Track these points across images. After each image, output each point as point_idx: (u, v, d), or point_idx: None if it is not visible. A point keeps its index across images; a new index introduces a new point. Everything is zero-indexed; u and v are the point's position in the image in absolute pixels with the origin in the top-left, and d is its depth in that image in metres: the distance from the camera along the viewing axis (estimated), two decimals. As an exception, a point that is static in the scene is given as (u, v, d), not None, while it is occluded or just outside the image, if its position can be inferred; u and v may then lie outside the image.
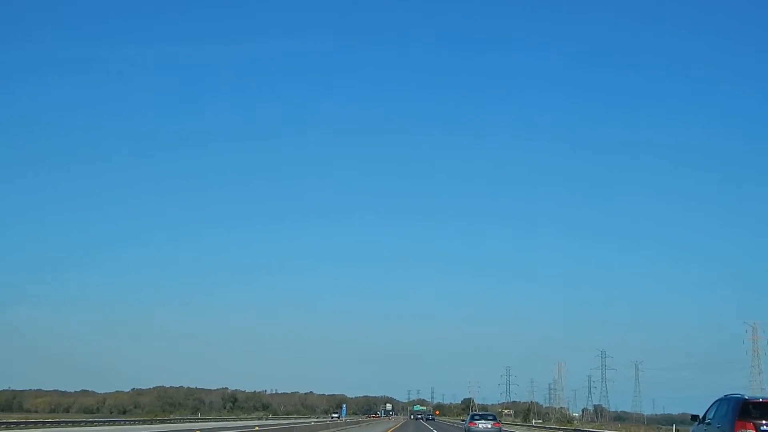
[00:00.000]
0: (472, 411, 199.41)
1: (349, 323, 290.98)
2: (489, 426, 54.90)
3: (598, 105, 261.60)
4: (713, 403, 22.58)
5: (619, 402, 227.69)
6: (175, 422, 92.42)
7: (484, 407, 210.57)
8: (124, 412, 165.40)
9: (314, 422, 58.65)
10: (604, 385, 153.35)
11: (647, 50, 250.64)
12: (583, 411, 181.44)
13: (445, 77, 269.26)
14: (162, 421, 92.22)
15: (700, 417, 23.52)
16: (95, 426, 63.58)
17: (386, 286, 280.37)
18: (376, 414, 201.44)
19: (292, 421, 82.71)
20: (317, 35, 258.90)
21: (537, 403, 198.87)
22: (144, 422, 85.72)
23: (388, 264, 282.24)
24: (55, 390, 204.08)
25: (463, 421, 66.97)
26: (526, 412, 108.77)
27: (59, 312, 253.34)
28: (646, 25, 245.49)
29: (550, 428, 79.17)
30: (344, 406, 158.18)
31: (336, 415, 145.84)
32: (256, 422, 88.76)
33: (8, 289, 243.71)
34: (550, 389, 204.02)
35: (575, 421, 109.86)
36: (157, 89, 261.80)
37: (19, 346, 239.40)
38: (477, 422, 55.15)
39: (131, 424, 72.16)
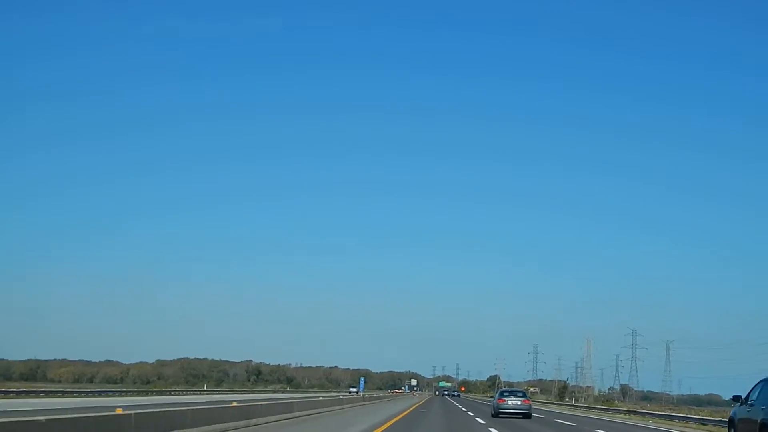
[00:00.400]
0: (498, 388, 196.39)
1: (376, 299, 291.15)
2: (519, 403, 51.90)
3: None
4: (757, 384, 20.96)
5: (644, 382, 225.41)
6: (175, 394, 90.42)
7: (509, 384, 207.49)
8: (148, 383, 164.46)
9: (323, 397, 54.70)
10: (634, 364, 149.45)
11: (654, 37, 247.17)
12: (609, 390, 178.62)
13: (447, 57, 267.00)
14: (160, 393, 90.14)
15: (743, 398, 21.96)
16: (83, 397, 61.46)
17: (414, 263, 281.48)
18: (399, 389, 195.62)
19: (291, 395, 79.24)
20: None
21: (565, 381, 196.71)
22: (139, 393, 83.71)
23: (416, 242, 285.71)
24: (80, 360, 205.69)
25: (491, 398, 64.11)
26: (561, 389, 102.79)
27: (83, 285, 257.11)
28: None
29: (596, 408, 75.05)
30: (362, 380, 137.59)
31: (354, 390, 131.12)
32: (262, 395, 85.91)
33: (35, 260, 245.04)
34: (576, 367, 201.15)
35: (616, 401, 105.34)
36: (153, 66, 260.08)
37: (44, 317, 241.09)
38: (506, 399, 52.19)
39: (122, 395, 70.08)
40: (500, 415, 49.99)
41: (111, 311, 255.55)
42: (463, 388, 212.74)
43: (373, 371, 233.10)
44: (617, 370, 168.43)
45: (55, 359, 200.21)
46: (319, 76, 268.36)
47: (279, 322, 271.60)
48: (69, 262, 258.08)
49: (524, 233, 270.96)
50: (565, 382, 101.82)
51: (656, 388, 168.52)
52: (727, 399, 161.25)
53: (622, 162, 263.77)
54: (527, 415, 51.02)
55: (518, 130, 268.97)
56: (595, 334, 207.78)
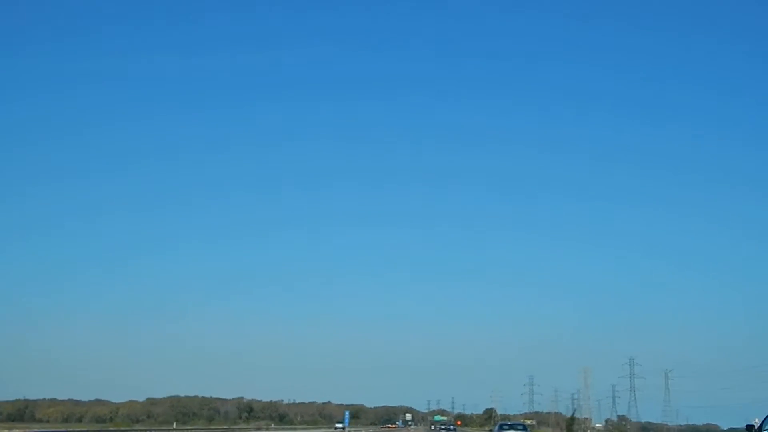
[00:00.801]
0: (495, 421, 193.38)
1: (369, 333, 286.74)
2: (519, 437, 50.25)
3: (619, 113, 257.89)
4: None
5: (642, 412, 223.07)
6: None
7: (506, 417, 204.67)
8: (137, 422, 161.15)
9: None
10: (632, 394, 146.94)
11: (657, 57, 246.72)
12: (606, 422, 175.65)
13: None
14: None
15: (756, 427, 22.10)
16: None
17: (408, 296, 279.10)
18: (393, 424, 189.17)
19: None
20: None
21: (573, 413, 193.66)
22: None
23: (410, 274, 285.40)
24: (69, 399, 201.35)
25: (489, 431, 61.49)
26: (569, 422, 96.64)
27: (73, 322, 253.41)
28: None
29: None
30: (347, 413, 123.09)
31: (340, 426, 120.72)
32: None
33: (23, 300, 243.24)
34: (573, 399, 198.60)
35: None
36: (159, 97, 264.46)
37: (33, 356, 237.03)
38: (506, 433, 50.52)
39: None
40: (500, 451, 48.35)
41: (101, 350, 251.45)
42: (459, 422, 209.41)
43: (368, 406, 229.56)
44: (614, 401, 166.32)
45: (44, 399, 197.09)
46: (308, 107, 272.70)
47: (271, 357, 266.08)
48: (58, 300, 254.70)
49: (518, 263, 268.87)
50: (573, 414, 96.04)
51: (654, 418, 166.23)
52: (725, 428, 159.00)
53: (618, 186, 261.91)
54: (528, 451, 49.42)
55: (510, 155, 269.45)
56: (592, 364, 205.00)
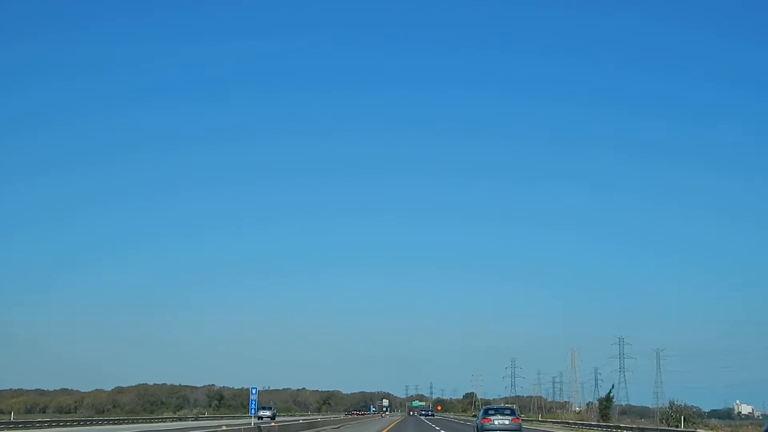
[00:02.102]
0: (477, 406, 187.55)
1: (345, 318, 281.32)
2: (507, 422, 44.21)
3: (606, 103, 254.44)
4: None
5: (631, 395, 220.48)
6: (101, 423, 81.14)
7: (487, 402, 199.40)
8: (102, 412, 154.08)
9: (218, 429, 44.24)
10: (621, 375, 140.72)
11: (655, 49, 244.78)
12: (588, 405, 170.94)
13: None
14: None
15: None
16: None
17: (383, 280, 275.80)
18: (360, 411, 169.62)
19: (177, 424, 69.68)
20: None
21: (542, 397, 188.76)
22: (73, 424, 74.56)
23: (385, 259, 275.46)
24: (37, 389, 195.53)
25: (473, 417, 54.60)
26: (604, 403, 78.49)
27: (45, 312, 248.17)
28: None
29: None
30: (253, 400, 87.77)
31: (267, 413, 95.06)
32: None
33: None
34: (554, 382, 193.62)
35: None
36: (152, 87, 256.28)
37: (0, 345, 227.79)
38: (492, 418, 44.42)
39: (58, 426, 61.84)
40: (486, 439, 42.27)
41: (70, 341, 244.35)
42: (439, 407, 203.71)
43: (344, 392, 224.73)
44: (596, 384, 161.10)
45: (10, 389, 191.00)
46: (314, 98, 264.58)
47: (243, 344, 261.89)
48: (28, 289, 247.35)
49: (495, 245, 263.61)
50: (609, 394, 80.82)
51: (643, 402, 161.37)
52: (707, 410, 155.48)
53: (602, 172, 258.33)
54: (518, 438, 43.60)
55: (497, 144, 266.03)
56: (577, 346, 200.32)
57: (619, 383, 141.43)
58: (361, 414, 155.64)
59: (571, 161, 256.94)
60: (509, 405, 48.87)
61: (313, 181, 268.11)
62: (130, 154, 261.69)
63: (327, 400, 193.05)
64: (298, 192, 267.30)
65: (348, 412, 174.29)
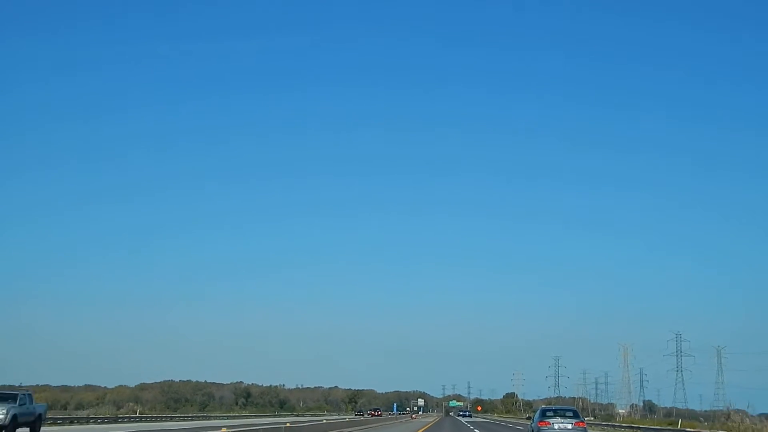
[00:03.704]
0: (518, 407, 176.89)
1: (381, 316, 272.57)
2: (569, 426, 34.53)
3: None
4: None
5: (665, 397, 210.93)
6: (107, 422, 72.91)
7: (528, 403, 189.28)
8: (121, 408, 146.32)
9: None
10: (679, 375, 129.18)
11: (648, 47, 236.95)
12: (631, 407, 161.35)
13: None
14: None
15: None
16: None
17: (419, 278, 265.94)
18: (375, 412, 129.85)
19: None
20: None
21: (586, 399, 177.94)
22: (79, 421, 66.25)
23: (421, 256, 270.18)
24: (62, 385, 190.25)
25: (528, 419, 44.30)
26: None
27: (70, 309, 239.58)
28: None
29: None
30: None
31: None
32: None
33: (17, 286, 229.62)
34: (597, 383, 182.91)
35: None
36: (152, 86, 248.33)
37: (29, 342, 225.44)
38: (551, 421, 34.86)
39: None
40: (543, 446, 32.85)
41: (96, 338, 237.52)
42: (480, 407, 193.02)
43: (378, 391, 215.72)
44: (641, 385, 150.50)
45: (36, 384, 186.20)
46: (314, 95, 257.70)
47: (275, 341, 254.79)
48: (51, 284, 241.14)
49: (537, 246, 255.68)
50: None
51: (694, 405, 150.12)
52: (755, 414, 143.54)
53: (636, 178, 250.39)
54: (582, 444, 34.07)
55: (530, 147, 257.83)
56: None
57: (676, 384, 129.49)
58: (376, 415, 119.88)
59: (617, 168, 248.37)
60: (571, 406, 39.20)
61: (347, 179, 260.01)
62: (139, 149, 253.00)
63: (354, 398, 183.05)
64: (333, 187, 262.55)
65: (358, 412, 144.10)
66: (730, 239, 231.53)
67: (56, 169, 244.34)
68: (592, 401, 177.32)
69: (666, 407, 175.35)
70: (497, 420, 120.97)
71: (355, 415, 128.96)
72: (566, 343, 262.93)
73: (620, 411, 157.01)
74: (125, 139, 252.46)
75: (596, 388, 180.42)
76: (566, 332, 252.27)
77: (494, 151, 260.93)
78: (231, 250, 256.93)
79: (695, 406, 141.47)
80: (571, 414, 36.10)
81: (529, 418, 45.79)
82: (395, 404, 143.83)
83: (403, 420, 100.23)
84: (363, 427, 60.84)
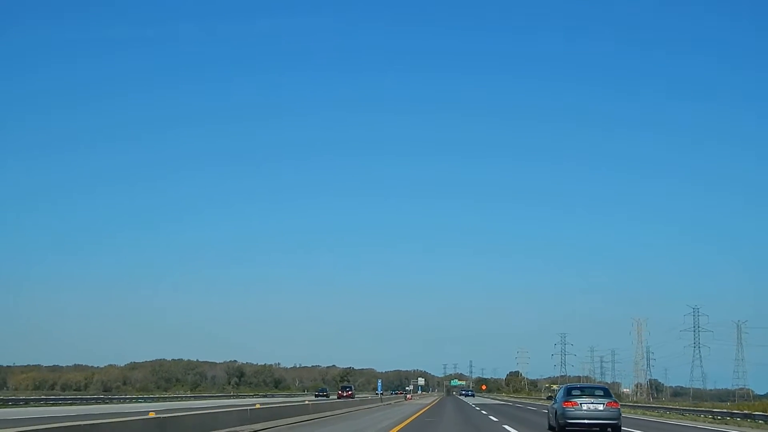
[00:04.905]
0: (523, 385, 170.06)
1: (380, 294, 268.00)
2: (601, 408, 28.14)
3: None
4: None
5: (675, 376, 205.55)
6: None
7: (533, 382, 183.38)
8: (108, 390, 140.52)
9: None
10: (697, 351, 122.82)
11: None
12: (637, 386, 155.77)
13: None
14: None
15: None
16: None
17: (421, 257, 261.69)
18: (346, 392, 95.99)
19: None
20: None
21: (590, 378, 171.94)
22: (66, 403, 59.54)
23: (420, 236, 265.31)
24: (54, 365, 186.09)
25: (549, 399, 37.40)
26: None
27: (61, 290, 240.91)
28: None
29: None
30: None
31: None
32: None
33: (7, 269, 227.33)
34: (602, 362, 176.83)
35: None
36: (145, 70, 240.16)
37: (20, 323, 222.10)
38: (578, 401, 28.22)
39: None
40: (569, 430, 26.67)
41: (86, 315, 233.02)
42: (484, 387, 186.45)
43: (378, 370, 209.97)
44: (648, 363, 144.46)
45: (26, 365, 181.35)
46: (313, 78, 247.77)
47: (272, 320, 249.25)
48: (43, 266, 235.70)
49: (541, 226, 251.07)
50: None
51: (684, 383, 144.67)
52: (762, 393, 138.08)
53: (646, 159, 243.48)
54: (617, 429, 27.71)
55: (539, 129, 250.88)
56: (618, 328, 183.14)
57: (693, 361, 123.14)
58: (344, 396, 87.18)
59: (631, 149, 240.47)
60: (601, 385, 32.81)
61: (342, 160, 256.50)
62: (134, 135, 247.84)
63: (344, 377, 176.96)
64: (323, 170, 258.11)
65: (320, 392, 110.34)
66: (738, 219, 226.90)
67: (47, 155, 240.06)
68: (597, 380, 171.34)
69: (672, 386, 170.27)
70: (508, 401, 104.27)
71: (316, 396, 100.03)
72: (573, 321, 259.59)
73: (625, 390, 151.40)
74: (119, 124, 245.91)
75: (601, 367, 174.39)
76: (573, 311, 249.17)
77: (496, 133, 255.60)
78: (232, 230, 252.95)
79: (711, 385, 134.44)
80: (601, 393, 29.43)
81: (549, 398, 38.93)
82: (380, 381, 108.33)
83: (392, 403, 75.35)
84: (341, 408, 47.44)
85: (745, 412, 42.10)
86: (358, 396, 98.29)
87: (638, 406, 64.01)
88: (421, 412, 49.67)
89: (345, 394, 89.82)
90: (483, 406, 69.06)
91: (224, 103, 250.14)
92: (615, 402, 29.08)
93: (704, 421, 42.80)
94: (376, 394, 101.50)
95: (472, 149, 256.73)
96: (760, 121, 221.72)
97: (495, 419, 39.89)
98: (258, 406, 30.89)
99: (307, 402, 42.55)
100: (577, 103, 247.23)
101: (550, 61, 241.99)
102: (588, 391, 29.87)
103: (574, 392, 29.29)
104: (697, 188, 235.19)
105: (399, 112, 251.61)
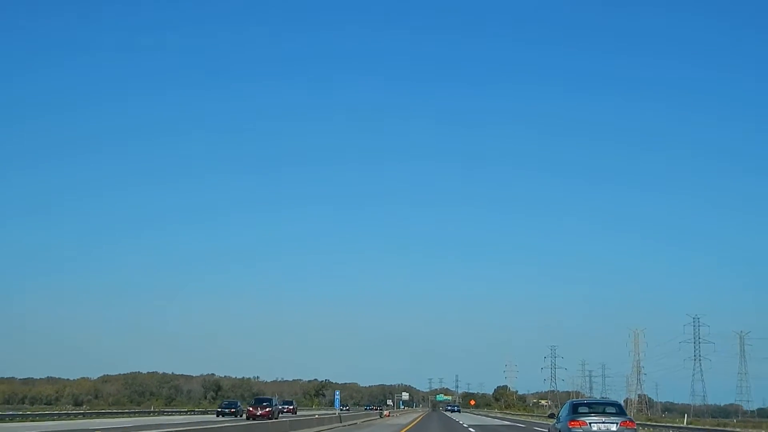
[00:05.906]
0: (508, 401, 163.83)
1: (364, 307, 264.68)
2: (613, 428, 22.91)
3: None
4: None
5: (670, 391, 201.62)
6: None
7: (522, 397, 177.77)
8: (80, 404, 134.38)
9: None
10: (697, 364, 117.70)
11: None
12: (625, 402, 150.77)
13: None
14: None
15: None
16: None
17: (407, 269, 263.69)
18: (262, 408, 59.00)
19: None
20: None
21: (580, 393, 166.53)
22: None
23: (405, 248, 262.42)
24: (28, 378, 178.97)
25: (550, 418, 31.40)
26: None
27: (37, 301, 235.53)
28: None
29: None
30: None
31: None
32: None
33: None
34: (591, 376, 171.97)
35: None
36: (141, 76, 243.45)
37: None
38: (587, 419, 23.11)
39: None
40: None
41: (59, 326, 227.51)
42: (472, 402, 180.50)
43: (361, 384, 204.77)
44: (638, 378, 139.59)
45: (2, 377, 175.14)
46: (309, 86, 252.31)
47: (251, 334, 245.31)
48: (22, 278, 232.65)
49: (530, 238, 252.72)
50: None
51: (678, 399, 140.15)
52: (753, 409, 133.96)
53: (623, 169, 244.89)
54: (635, 454, 22.46)
55: (533, 140, 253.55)
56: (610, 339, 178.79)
57: (694, 374, 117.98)
58: (262, 414, 57.76)
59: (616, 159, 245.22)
60: (613, 401, 27.72)
61: (329, 170, 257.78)
62: (128, 142, 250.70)
63: (320, 391, 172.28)
64: (310, 180, 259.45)
65: (226, 407, 74.22)
66: (733, 231, 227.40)
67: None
68: (587, 395, 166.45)
69: (662, 402, 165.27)
70: (504, 419, 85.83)
71: (218, 414, 71.33)
72: (562, 335, 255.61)
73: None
74: (117, 130, 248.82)
75: (590, 381, 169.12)
76: (562, 324, 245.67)
77: (486, 144, 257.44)
78: (208, 243, 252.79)
79: (708, 400, 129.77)
80: (614, 410, 24.25)
81: (551, 416, 33.43)
82: (337, 393, 76.32)
83: (358, 423, 57.59)
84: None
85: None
86: (306, 413, 79.29)
87: (640, 423, 58.81)
88: (410, 425, 41.47)
89: (260, 413, 57.99)
90: (481, 428, 50.16)
91: (224, 105, 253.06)
92: (631, 421, 23.94)
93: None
94: (333, 410, 77.28)
95: (464, 161, 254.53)
96: (759, 133, 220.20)
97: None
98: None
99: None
100: (574, 114, 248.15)
101: (549, 70, 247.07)
102: (598, 408, 24.68)
103: (581, 409, 24.10)
104: (697, 200, 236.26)
105: (383, 120, 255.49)
